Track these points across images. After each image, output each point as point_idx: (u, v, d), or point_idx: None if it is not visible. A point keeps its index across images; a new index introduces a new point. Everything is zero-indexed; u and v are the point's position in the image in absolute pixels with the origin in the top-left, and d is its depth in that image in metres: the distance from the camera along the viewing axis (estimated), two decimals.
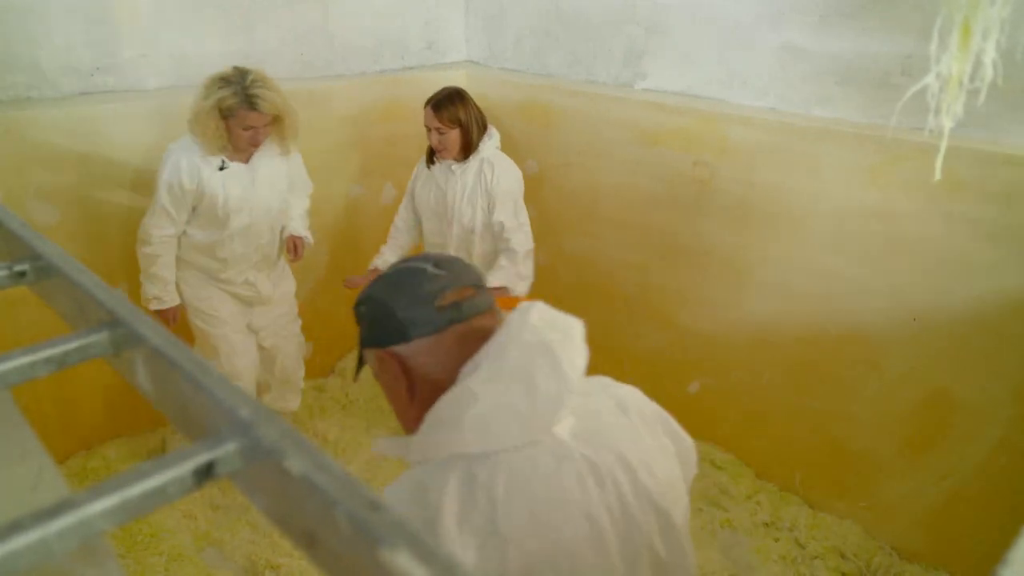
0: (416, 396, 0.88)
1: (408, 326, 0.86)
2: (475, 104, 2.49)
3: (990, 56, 0.72)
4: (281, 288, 2.63)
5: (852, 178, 2.19)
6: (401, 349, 0.87)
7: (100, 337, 0.47)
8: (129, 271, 2.67)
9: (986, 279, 1.99)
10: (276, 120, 2.26)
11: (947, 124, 0.76)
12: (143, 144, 2.56)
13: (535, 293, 3.41)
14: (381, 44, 3.31)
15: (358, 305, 0.94)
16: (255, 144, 2.27)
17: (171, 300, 2.40)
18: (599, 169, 2.93)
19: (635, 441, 0.90)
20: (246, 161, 2.34)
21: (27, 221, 0.60)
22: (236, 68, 2.21)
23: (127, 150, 2.53)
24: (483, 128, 2.51)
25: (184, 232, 2.36)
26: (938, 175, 0.91)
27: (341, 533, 0.31)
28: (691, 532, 2.78)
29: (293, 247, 2.52)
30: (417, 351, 0.87)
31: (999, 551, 0.71)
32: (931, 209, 2.05)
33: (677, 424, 0.99)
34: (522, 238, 2.56)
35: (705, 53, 2.63)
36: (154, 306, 2.38)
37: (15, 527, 0.31)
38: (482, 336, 0.86)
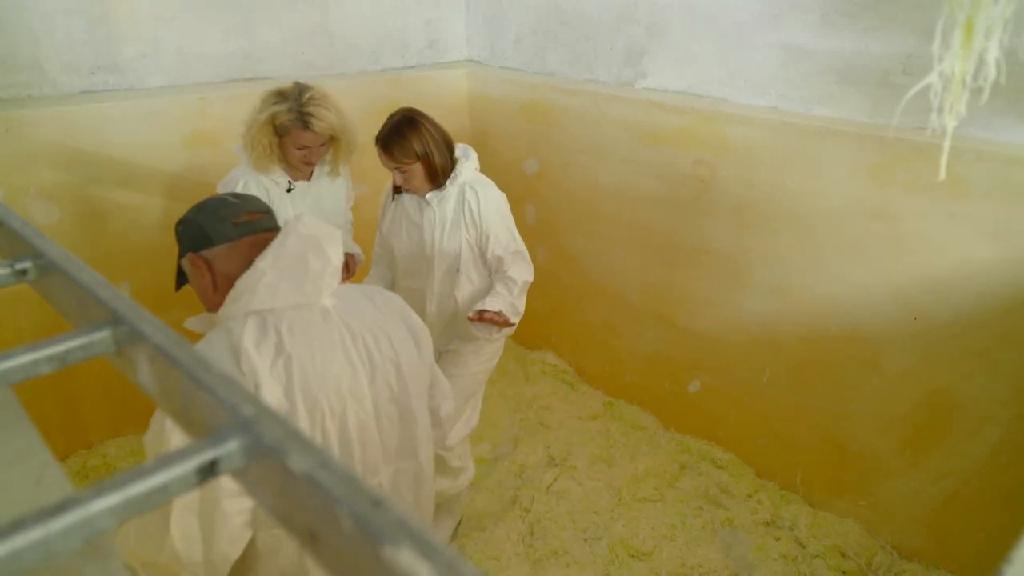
0: (218, 288, 1.22)
1: (212, 235, 1.22)
2: (433, 124, 2.07)
3: (993, 55, 0.72)
4: None
5: (853, 177, 2.19)
6: (207, 253, 1.23)
7: (102, 335, 0.47)
8: (131, 269, 2.67)
9: (987, 279, 1.99)
10: (331, 140, 2.18)
11: (950, 123, 0.76)
12: (144, 143, 2.56)
13: (536, 295, 3.41)
14: (382, 43, 3.31)
15: (177, 226, 1.29)
16: (309, 163, 2.18)
17: None
18: (599, 168, 2.93)
19: (378, 320, 1.29)
20: (309, 178, 2.27)
21: (28, 220, 0.60)
22: (296, 83, 2.11)
23: (128, 149, 2.53)
24: (448, 148, 2.10)
25: None
26: (943, 175, 0.91)
27: (344, 531, 0.31)
28: (692, 530, 2.78)
29: (345, 265, 2.38)
30: (218, 254, 1.22)
31: (999, 550, 0.71)
32: (932, 208, 2.05)
33: (412, 313, 1.39)
34: (522, 268, 2.16)
35: (706, 52, 2.63)
36: None
37: (18, 525, 0.31)
38: (267, 244, 1.20)
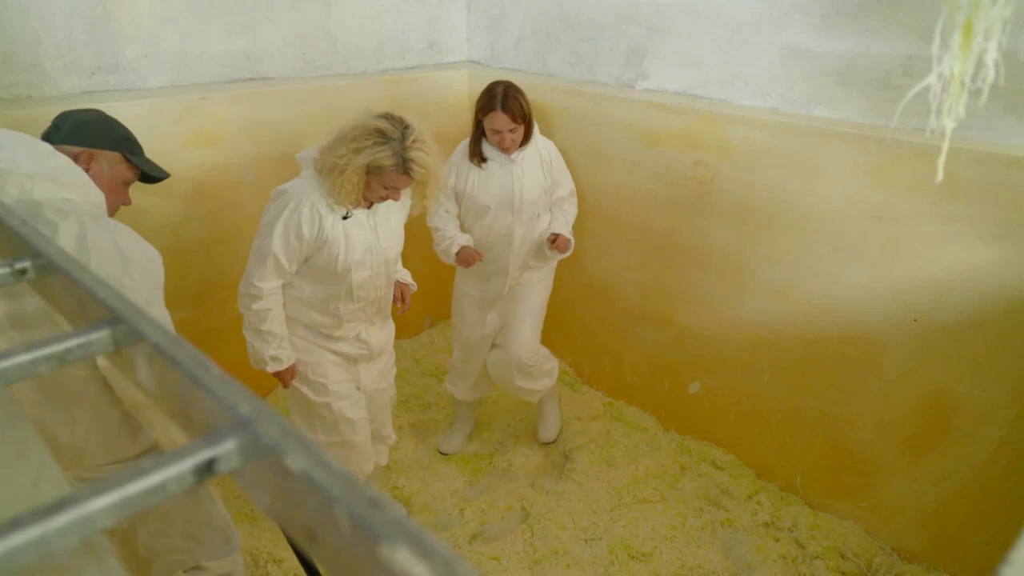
0: None
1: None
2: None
3: (992, 56, 0.72)
4: (386, 334, 2.37)
5: (853, 178, 2.19)
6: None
7: (101, 334, 0.47)
8: None
9: (986, 279, 1.99)
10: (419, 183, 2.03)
11: (949, 125, 0.76)
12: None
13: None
14: (383, 44, 3.31)
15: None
16: (392, 199, 2.04)
17: (289, 358, 2.11)
18: (600, 169, 2.93)
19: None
20: (368, 207, 2.08)
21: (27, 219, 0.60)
22: (394, 121, 1.92)
23: None
24: None
25: (291, 284, 2.10)
26: (940, 176, 0.91)
27: (341, 530, 0.31)
28: (692, 531, 2.77)
29: (401, 296, 2.28)
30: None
31: (999, 551, 0.71)
32: (932, 210, 2.05)
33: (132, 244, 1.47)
34: (574, 204, 2.75)
35: (706, 53, 2.63)
36: (272, 368, 2.08)
37: (16, 524, 0.31)
38: None
